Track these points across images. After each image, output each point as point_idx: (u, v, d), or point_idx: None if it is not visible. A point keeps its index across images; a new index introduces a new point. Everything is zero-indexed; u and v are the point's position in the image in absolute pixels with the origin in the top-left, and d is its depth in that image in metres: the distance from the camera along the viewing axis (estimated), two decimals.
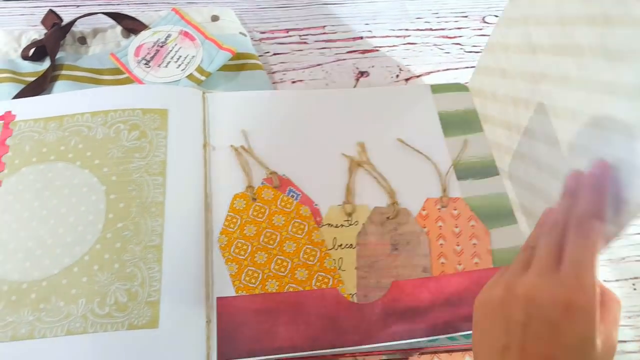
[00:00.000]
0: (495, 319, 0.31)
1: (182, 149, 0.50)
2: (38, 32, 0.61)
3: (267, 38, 0.65)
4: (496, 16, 0.67)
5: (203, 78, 0.57)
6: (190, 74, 0.57)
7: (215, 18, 0.63)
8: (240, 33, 0.62)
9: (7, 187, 0.48)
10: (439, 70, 0.62)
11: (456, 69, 0.62)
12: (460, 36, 0.65)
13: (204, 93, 0.55)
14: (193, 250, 0.46)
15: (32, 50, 0.59)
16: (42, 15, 0.61)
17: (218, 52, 0.59)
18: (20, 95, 0.55)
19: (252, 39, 0.63)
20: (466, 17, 0.67)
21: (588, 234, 0.31)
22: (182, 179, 0.49)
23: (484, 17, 0.67)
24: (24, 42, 0.60)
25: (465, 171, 0.52)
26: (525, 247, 0.34)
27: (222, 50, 0.59)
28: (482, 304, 0.33)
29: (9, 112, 0.52)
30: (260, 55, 0.62)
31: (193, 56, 0.58)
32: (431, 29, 0.66)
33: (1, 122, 0.52)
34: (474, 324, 0.33)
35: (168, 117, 0.51)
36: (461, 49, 0.64)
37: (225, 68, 0.59)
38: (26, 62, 0.59)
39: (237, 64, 0.59)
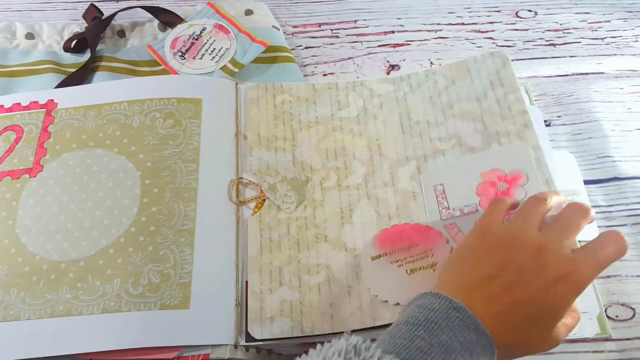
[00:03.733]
0: (495, 252, 0.34)
1: (215, 138, 0.51)
2: (79, 26, 0.63)
3: (300, 32, 0.65)
4: (529, 10, 0.66)
5: (236, 70, 0.58)
6: (224, 66, 0.59)
7: (249, 12, 0.64)
8: (273, 27, 0.63)
9: (49, 172, 0.50)
10: None
11: None
12: (492, 30, 0.65)
13: (236, 84, 0.56)
14: (224, 235, 0.47)
15: (73, 43, 0.61)
16: (84, 10, 0.64)
17: (251, 45, 0.60)
18: (62, 84, 0.57)
19: (284, 32, 0.64)
20: (499, 11, 0.67)
21: (617, 246, 0.34)
22: (215, 166, 0.50)
23: (517, 12, 0.67)
24: (66, 35, 0.63)
25: None
26: (541, 200, 0.37)
27: (255, 43, 0.60)
28: (490, 232, 0.36)
29: (52, 100, 0.54)
30: (292, 49, 0.63)
31: (227, 48, 0.60)
32: (463, 24, 0.65)
33: (44, 109, 0.54)
34: (470, 244, 0.36)
35: (202, 107, 0.53)
36: (493, 43, 0.63)
37: (258, 60, 0.60)
38: (68, 54, 0.62)
39: (270, 57, 0.61)
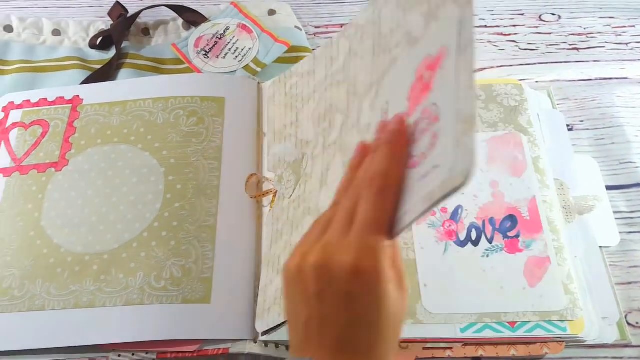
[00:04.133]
0: (296, 290, 0.29)
1: (237, 136, 0.52)
2: (105, 23, 0.64)
3: (322, 32, 0.66)
4: (553, 14, 0.66)
5: (259, 69, 0.59)
6: (247, 65, 0.59)
7: (272, 12, 0.64)
8: (296, 27, 0.64)
9: (74, 166, 0.51)
10: (492, 67, 0.61)
11: (510, 66, 0.61)
12: (515, 34, 0.64)
13: (259, 83, 0.56)
14: (244, 232, 0.47)
15: (99, 40, 0.62)
16: (110, 8, 0.64)
17: (274, 45, 0.60)
18: (87, 81, 0.58)
19: (306, 33, 0.64)
20: (522, 14, 0.66)
21: (378, 192, 0.28)
22: (236, 164, 0.50)
23: (540, 15, 0.66)
24: (92, 32, 0.64)
25: None
26: (330, 206, 0.31)
27: (277, 43, 0.60)
28: (286, 271, 0.30)
29: (77, 96, 0.55)
30: (314, 49, 0.63)
31: (250, 48, 0.60)
32: (486, 26, 0.65)
33: (70, 105, 0.55)
34: (284, 293, 0.31)
35: (225, 105, 0.53)
36: (516, 46, 0.63)
37: (280, 60, 0.60)
38: (93, 51, 0.63)
39: (292, 57, 0.61)
